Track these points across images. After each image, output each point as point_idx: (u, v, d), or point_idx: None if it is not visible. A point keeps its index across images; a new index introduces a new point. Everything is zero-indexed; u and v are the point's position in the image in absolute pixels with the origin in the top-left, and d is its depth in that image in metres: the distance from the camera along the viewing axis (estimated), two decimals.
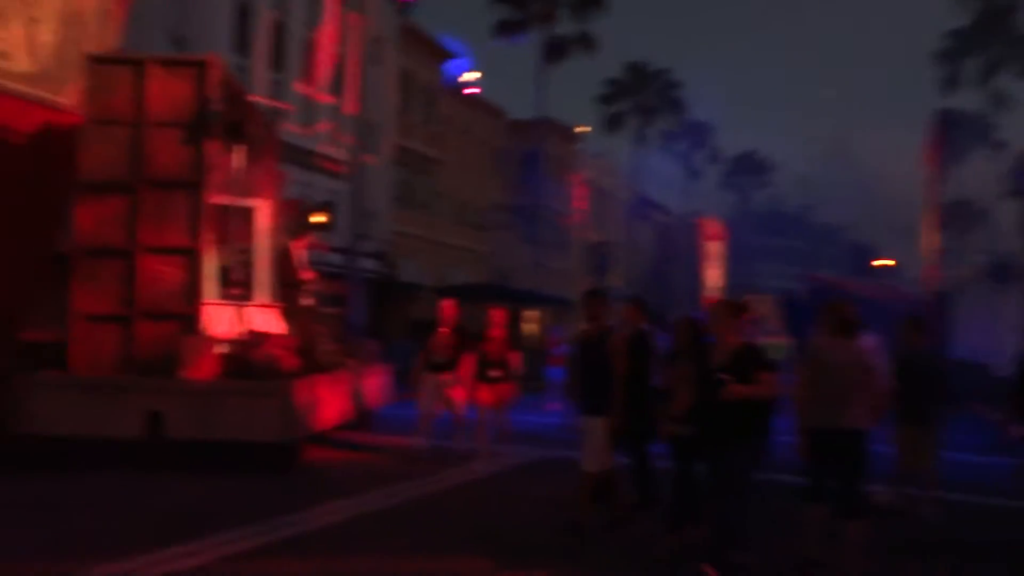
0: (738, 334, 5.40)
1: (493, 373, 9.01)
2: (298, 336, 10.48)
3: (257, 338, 9.56)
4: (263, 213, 11.99)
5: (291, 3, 27.80)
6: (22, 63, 10.81)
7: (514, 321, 30.09)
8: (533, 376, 17.67)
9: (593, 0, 37.63)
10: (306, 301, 11.24)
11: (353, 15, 26.19)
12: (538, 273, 37.55)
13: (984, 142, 47.52)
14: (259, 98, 20.30)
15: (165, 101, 9.54)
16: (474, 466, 9.13)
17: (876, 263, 56.39)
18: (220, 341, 9.32)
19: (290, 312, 10.79)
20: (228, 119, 9.71)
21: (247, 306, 10.30)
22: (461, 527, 6.97)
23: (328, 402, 10.03)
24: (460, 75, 39.16)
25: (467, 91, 39.59)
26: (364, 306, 26.49)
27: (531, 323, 34.62)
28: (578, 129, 47.92)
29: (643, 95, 50.31)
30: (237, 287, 10.15)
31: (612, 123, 49.86)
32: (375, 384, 12.36)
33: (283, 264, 10.74)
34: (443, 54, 37.43)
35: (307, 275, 11.06)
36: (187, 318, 9.27)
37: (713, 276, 47.24)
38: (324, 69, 29.00)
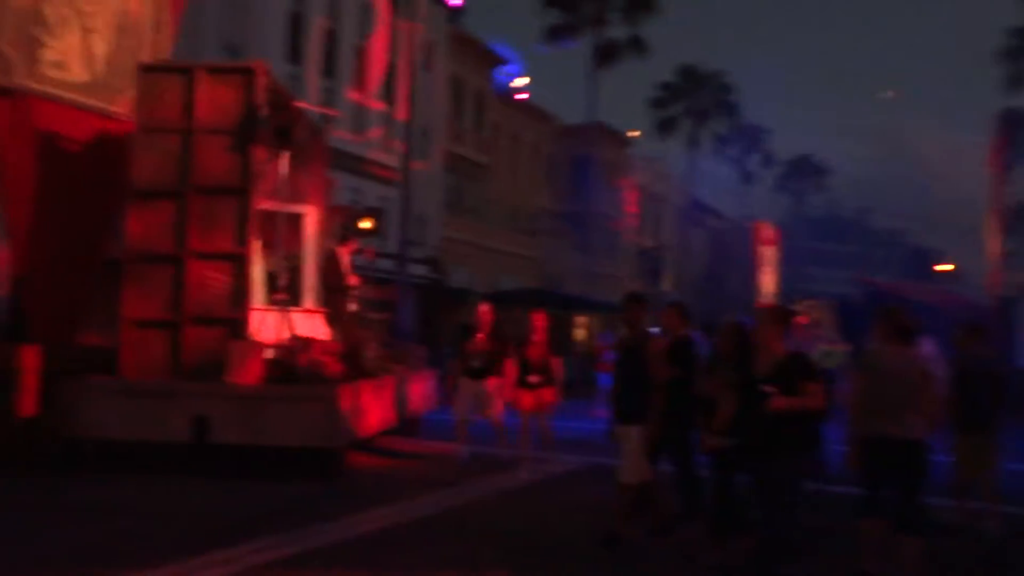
0: (784, 342, 5.18)
1: (533, 379, 8.87)
2: (344, 342, 10.49)
3: (302, 343, 9.58)
4: (311, 219, 12.07)
5: (343, 12, 28.11)
6: (77, 73, 11.03)
7: (564, 327, 30.02)
8: (583, 382, 17.54)
9: (644, 3, 37.36)
10: (352, 307, 11.26)
11: (403, 22, 26.42)
12: (589, 279, 37.35)
13: None
14: (308, 105, 20.52)
15: (213, 108, 9.63)
16: (517, 473, 9.02)
17: (937, 268, 54.97)
18: (266, 346, 9.36)
19: (336, 317, 10.82)
20: (275, 125, 9.76)
21: (293, 311, 10.34)
22: (499, 537, 6.86)
23: (373, 408, 10.01)
24: (510, 81, 39.21)
25: (517, 96, 39.61)
26: (414, 312, 26.63)
27: (581, 329, 34.41)
28: (630, 133, 47.63)
29: (696, 98, 49.80)
30: (284, 293, 10.20)
31: (664, 127, 49.45)
32: (422, 390, 12.33)
33: (329, 269, 10.78)
34: (493, 60, 37.51)
35: (353, 280, 11.08)
36: (234, 323, 9.33)
37: (767, 281, 46.52)
38: (375, 76, 29.30)
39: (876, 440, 5.48)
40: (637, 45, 38.24)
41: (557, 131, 42.75)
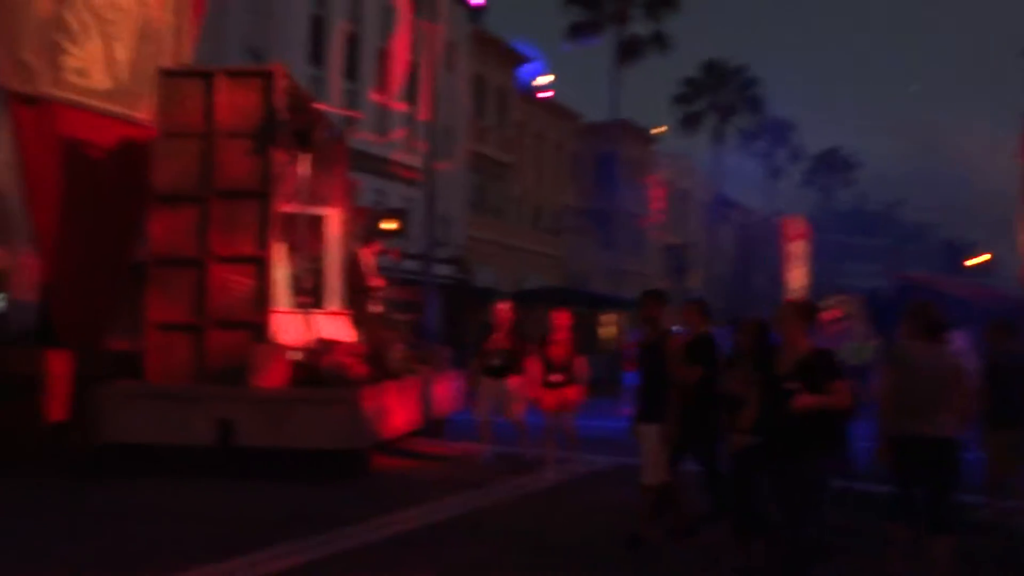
0: (808, 338, 5.05)
1: (555, 378, 8.75)
2: (368, 343, 10.49)
3: (326, 346, 9.58)
4: (333, 221, 12.07)
5: (364, 14, 28.17)
6: (100, 80, 11.12)
7: (590, 325, 29.88)
8: (609, 380, 17.41)
9: None
10: (376, 308, 11.25)
11: (425, 23, 26.39)
12: (615, 276, 37.17)
13: None
14: (329, 107, 20.56)
15: (233, 112, 9.66)
16: (542, 474, 8.95)
17: (969, 261, 54.13)
18: (290, 349, 9.37)
19: (360, 319, 10.81)
20: (295, 127, 9.78)
21: (317, 314, 10.35)
22: (524, 539, 6.80)
23: (397, 409, 9.99)
24: (533, 79, 39.10)
25: (541, 95, 39.50)
26: (439, 312, 26.62)
27: (607, 327, 34.26)
28: (654, 130, 47.36)
29: (721, 93, 49.42)
30: (307, 295, 10.21)
31: (689, 123, 49.10)
32: (447, 391, 12.29)
33: (353, 271, 10.78)
34: (516, 58, 37.44)
35: (376, 282, 11.07)
36: (257, 326, 9.35)
37: (796, 277, 46.05)
38: (397, 77, 29.30)
39: (907, 438, 5.36)
40: (660, 41, 37.98)
41: (581, 129, 42.59)
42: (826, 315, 16.61)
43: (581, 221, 41.13)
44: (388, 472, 9.39)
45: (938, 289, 23.63)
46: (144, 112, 10.96)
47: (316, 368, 9.14)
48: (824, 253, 55.00)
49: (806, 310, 5.09)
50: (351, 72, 27.55)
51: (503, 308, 9.81)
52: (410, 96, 29.40)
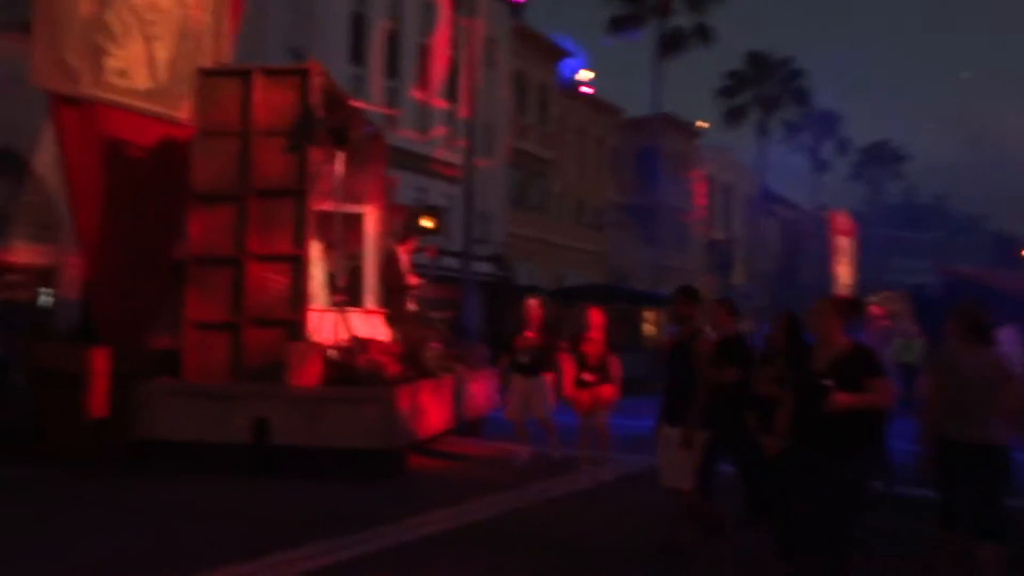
0: (844, 334, 4.80)
1: (588, 377, 8.53)
2: (403, 342, 10.45)
3: (361, 344, 9.57)
4: (370, 219, 12.08)
5: (405, 11, 28.23)
6: (141, 80, 11.22)
7: (633, 322, 29.63)
8: (650, 379, 17.19)
9: None
10: (412, 306, 11.20)
11: (466, 19, 26.37)
12: (657, 273, 36.84)
13: None
14: (367, 104, 20.63)
15: (270, 110, 9.68)
16: (577, 475, 8.82)
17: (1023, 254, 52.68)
18: (325, 347, 9.37)
19: (395, 317, 10.78)
20: (331, 125, 9.76)
21: (352, 312, 10.34)
22: (554, 542, 6.71)
23: (433, 409, 9.94)
24: (574, 74, 38.89)
25: (582, 90, 39.27)
26: (479, 310, 26.61)
27: (650, 324, 33.98)
28: (697, 124, 46.84)
29: (765, 86, 48.70)
30: (343, 293, 10.21)
31: (733, 116, 48.48)
32: (484, 389, 12.23)
33: (389, 269, 10.75)
34: (556, 54, 37.26)
35: (413, 280, 11.02)
36: (293, 325, 9.37)
37: (843, 272, 45.28)
38: (438, 75, 29.34)
39: (952, 443, 5.17)
40: (703, 33, 37.51)
41: (622, 124, 42.27)
42: (872, 311, 16.22)
43: (623, 217, 40.84)
44: (423, 472, 9.35)
45: (985, 284, 23.00)
46: (184, 112, 11.04)
47: (351, 367, 9.12)
48: (872, 248, 54.01)
49: (842, 305, 4.85)
50: (392, 70, 27.62)
51: (533, 304, 9.60)
52: (451, 93, 29.42)
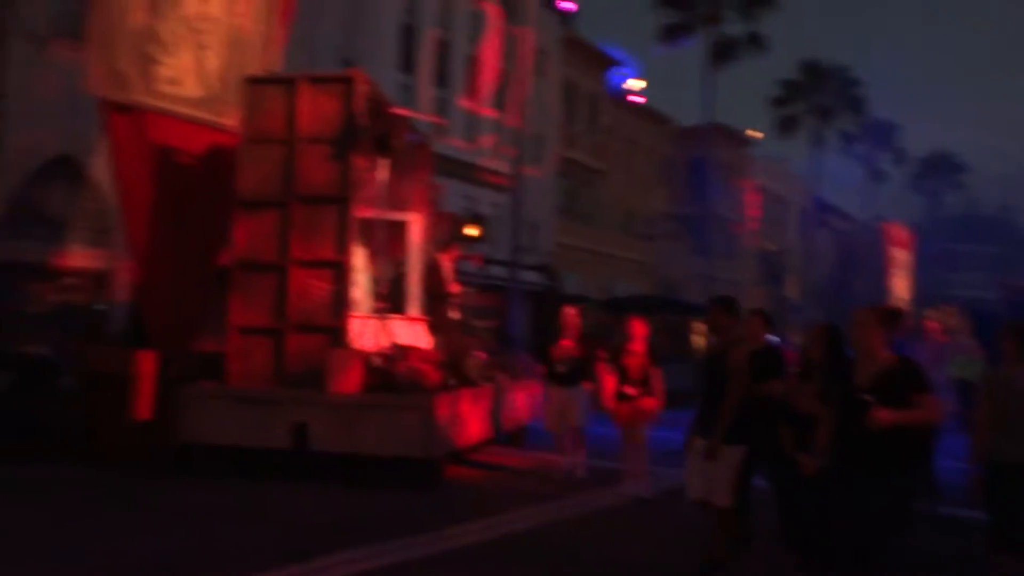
0: (888, 348, 4.52)
1: (630, 390, 8.30)
2: (445, 350, 10.41)
3: (401, 352, 9.55)
4: (414, 226, 12.09)
5: (454, 20, 28.36)
6: (191, 88, 11.40)
7: (682, 333, 29.27)
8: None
9: None
10: (454, 314, 11.16)
11: (515, 28, 26.37)
12: (708, 284, 36.38)
13: None
14: (415, 112, 20.70)
15: (315, 118, 9.74)
16: (618, 488, 8.65)
17: None
18: (366, 354, 9.37)
19: (438, 325, 10.75)
20: (375, 133, 9.79)
21: (394, 319, 10.33)
22: (589, 556, 6.59)
23: (473, 418, 9.87)
24: (624, 83, 38.67)
25: (632, 99, 39.03)
26: (526, 319, 26.51)
27: (700, 336, 33.56)
28: (749, 133, 46.24)
29: (820, 95, 47.86)
30: (384, 300, 10.21)
31: (786, 125, 47.70)
32: (526, 399, 12.13)
33: (431, 277, 10.73)
34: (606, 63, 37.10)
35: (455, 288, 10.98)
36: (335, 331, 9.39)
37: (899, 286, 44.28)
38: (487, 83, 29.39)
39: (1005, 464, 4.94)
40: (756, 41, 36.99)
41: (673, 133, 41.93)
42: (929, 326, 15.72)
43: (673, 227, 40.45)
44: (461, 482, 9.28)
45: None
46: (232, 119, 11.17)
47: (391, 374, 9.10)
48: (930, 261, 52.77)
49: (885, 316, 4.56)
50: (441, 79, 27.73)
51: (571, 313, 9.41)
52: (500, 102, 29.45)
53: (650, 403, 8.23)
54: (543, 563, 6.37)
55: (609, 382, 8.39)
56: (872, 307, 4.59)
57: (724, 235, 42.39)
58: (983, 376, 5.85)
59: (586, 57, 35.31)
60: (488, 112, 29.36)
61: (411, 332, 10.85)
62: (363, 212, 10.69)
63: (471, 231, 12.59)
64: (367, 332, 9.68)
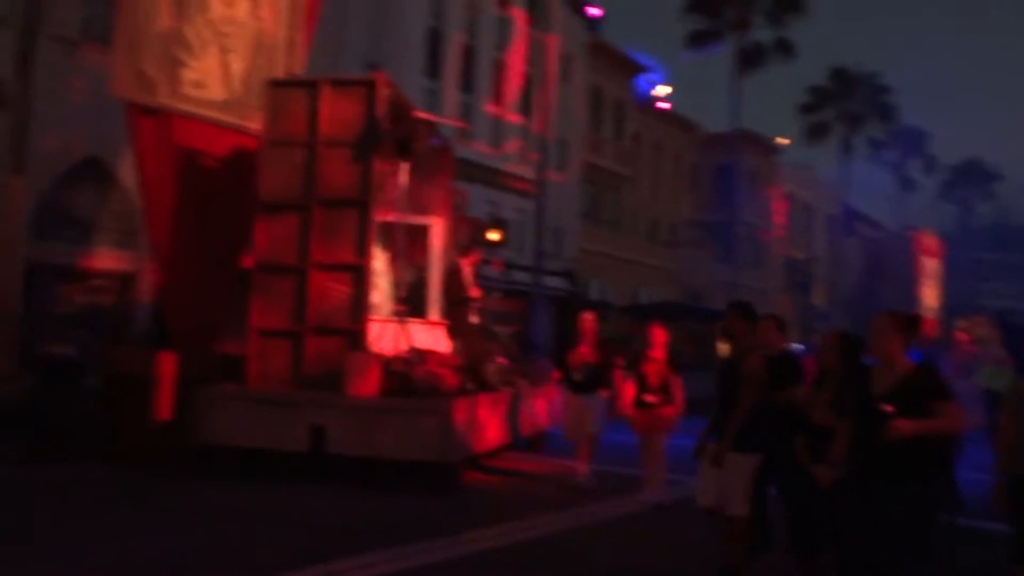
0: (907, 355, 4.35)
1: (649, 398, 8.19)
2: (464, 354, 10.38)
3: (419, 356, 9.52)
4: (435, 230, 12.08)
5: (481, 26, 28.40)
6: (216, 91, 11.47)
7: (707, 341, 29.06)
8: None
9: (791, 3, 35.87)
10: (474, 319, 11.12)
11: (541, 34, 26.40)
12: (733, 291, 36.12)
13: None
14: (439, 117, 20.74)
15: (336, 121, 9.75)
16: (636, 496, 8.56)
17: None
18: (384, 358, 9.35)
19: (457, 330, 10.72)
20: (396, 136, 9.78)
21: (413, 323, 10.31)
22: (602, 564, 6.52)
23: (491, 423, 9.82)
24: (651, 89, 38.55)
25: (659, 105, 38.90)
26: (549, 324, 26.45)
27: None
28: (777, 141, 45.91)
29: (849, 102, 47.45)
30: (402, 304, 10.19)
31: (815, 133, 47.34)
32: (547, 404, 12.07)
33: (451, 281, 10.70)
34: (633, 69, 37.00)
35: (475, 292, 10.94)
36: (354, 334, 9.38)
37: (929, 295, 43.70)
38: (513, 89, 29.44)
39: None
40: (784, 48, 36.75)
41: (700, 140, 41.72)
42: (958, 336, 15.43)
43: (699, 234, 40.22)
44: (479, 487, 9.23)
45: None
46: (256, 123, 11.23)
47: (409, 378, 9.08)
48: (961, 270, 52.04)
49: (904, 322, 4.38)
50: (467, 84, 27.78)
51: (588, 318, 9.25)
52: (525, 108, 29.47)
53: (669, 411, 8.13)
54: (559, 569, 6.32)
55: (628, 389, 8.29)
56: (891, 313, 4.44)
57: (750, 242, 42.10)
58: (1010, 386, 5.73)
59: (612, 62, 35.23)
60: (513, 117, 29.43)
61: (430, 336, 10.83)
62: (384, 216, 10.69)
63: (493, 235, 12.53)
64: (386, 336, 9.66)
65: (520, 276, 26.01)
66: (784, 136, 46.75)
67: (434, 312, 11.45)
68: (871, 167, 53.27)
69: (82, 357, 12.28)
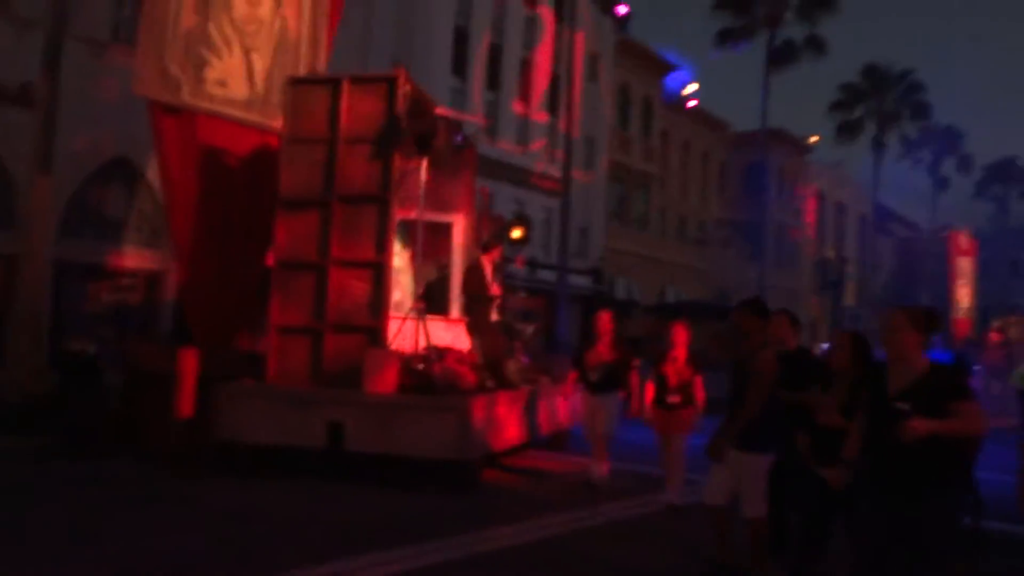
0: (923, 352, 4.15)
1: (670, 399, 8.07)
2: (484, 352, 10.32)
3: (438, 353, 9.48)
4: (457, 227, 12.05)
5: (508, 25, 28.37)
6: (239, 90, 11.53)
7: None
8: None
9: (823, 1, 35.40)
10: (494, 316, 11.05)
11: (569, 32, 26.29)
12: (762, 291, 35.80)
13: None
14: (463, 114, 20.73)
15: (357, 118, 9.73)
16: (655, 496, 8.45)
17: None
18: (403, 355, 9.33)
19: (478, 327, 10.66)
20: (416, 133, 9.75)
21: (433, 320, 10.27)
22: (621, 564, 6.44)
23: (511, 421, 9.76)
24: (680, 88, 38.27)
25: (687, 104, 38.61)
26: (575, 323, 26.35)
27: None
28: (809, 139, 45.41)
29: (882, 100, 46.78)
30: (421, 301, 10.16)
31: (847, 131, 46.70)
32: (568, 403, 11.98)
33: (472, 278, 10.64)
34: (661, 67, 36.77)
35: (495, 290, 10.88)
36: (373, 331, 9.36)
37: (963, 295, 43.00)
38: (540, 87, 29.38)
39: None
40: (815, 45, 36.28)
41: (729, 138, 41.39)
42: (991, 337, 15.14)
43: (727, 233, 39.89)
44: (497, 485, 9.17)
45: None
46: (279, 121, 11.27)
47: (428, 375, 9.04)
48: (996, 270, 51.16)
49: (919, 317, 4.17)
50: (493, 82, 27.78)
51: (604, 317, 9.07)
52: (552, 106, 29.40)
53: (689, 411, 8.00)
54: (575, 569, 6.25)
55: (648, 389, 8.17)
56: (904, 308, 4.28)
57: (781, 242, 41.69)
58: None
59: (640, 61, 35.04)
60: (540, 116, 29.36)
61: (452, 334, 10.79)
62: (405, 213, 10.67)
63: (516, 233, 12.47)
64: (405, 333, 9.64)
65: (545, 274, 25.93)
66: (815, 134, 46.26)
67: (454, 309, 11.41)
68: (904, 166, 52.57)
69: (104, 354, 12.41)
